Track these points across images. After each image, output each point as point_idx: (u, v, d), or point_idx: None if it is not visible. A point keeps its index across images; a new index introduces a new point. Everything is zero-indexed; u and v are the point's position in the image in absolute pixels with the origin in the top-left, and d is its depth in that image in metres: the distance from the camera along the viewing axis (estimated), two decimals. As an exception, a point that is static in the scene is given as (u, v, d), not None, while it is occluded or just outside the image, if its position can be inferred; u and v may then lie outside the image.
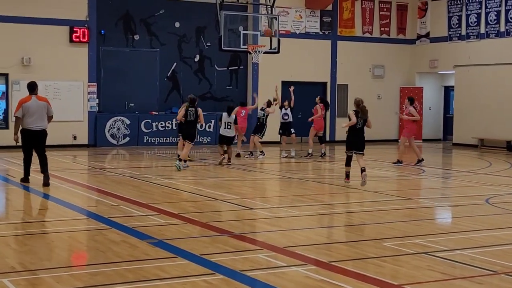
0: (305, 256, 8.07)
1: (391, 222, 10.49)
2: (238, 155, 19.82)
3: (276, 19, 22.38)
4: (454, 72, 27.02)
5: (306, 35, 26.72)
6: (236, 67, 26.26)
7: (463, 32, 26.46)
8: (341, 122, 27.02)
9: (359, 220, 10.80)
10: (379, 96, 28.02)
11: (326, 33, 27.11)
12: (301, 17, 26.63)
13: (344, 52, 27.38)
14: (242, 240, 8.99)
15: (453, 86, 27.67)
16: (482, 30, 25.70)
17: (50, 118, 13.82)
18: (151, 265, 7.52)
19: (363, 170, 13.85)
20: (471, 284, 6.98)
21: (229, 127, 18.23)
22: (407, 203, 12.37)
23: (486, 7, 25.54)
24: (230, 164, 18.01)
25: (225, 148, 18.20)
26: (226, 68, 26.13)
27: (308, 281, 7.03)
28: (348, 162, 14.40)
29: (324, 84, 27.33)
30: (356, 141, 14.20)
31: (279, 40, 22.14)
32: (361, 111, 14.15)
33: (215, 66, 25.90)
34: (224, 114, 18.40)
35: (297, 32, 26.53)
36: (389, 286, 6.86)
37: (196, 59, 25.65)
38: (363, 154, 14.33)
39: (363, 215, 11.30)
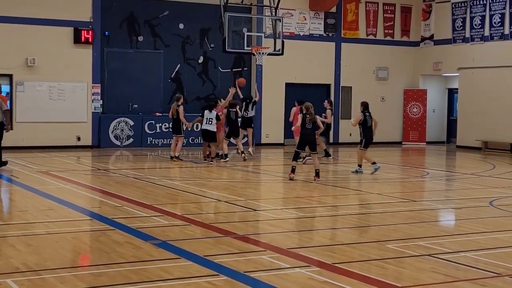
0: (308, 258, 8.07)
1: (395, 224, 10.49)
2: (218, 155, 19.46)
3: (280, 21, 22.38)
4: (458, 74, 26.99)
5: (310, 37, 26.72)
6: (240, 69, 26.27)
7: (467, 35, 26.42)
8: (345, 124, 27.23)
9: (363, 222, 10.79)
10: (382, 98, 28.00)
11: (330, 35, 27.11)
12: (305, 19, 26.63)
13: (348, 54, 27.38)
14: (246, 241, 8.99)
15: (457, 89, 27.63)
16: (487, 33, 25.67)
17: (6, 111, 16.60)
18: (155, 266, 7.53)
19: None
20: (474, 286, 6.97)
21: (210, 122, 18.42)
22: (411, 205, 12.36)
23: (490, 10, 25.51)
24: (212, 163, 18.26)
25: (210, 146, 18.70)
26: (230, 70, 26.14)
27: (311, 282, 7.03)
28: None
29: (328, 86, 27.32)
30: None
31: (283, 42, 22.13)
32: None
33: (219, 67, 25.92)
34: (206, 111, 18.60)
35: (301, 34, 26.54)
36: (391, 287, 6.85)
37: (200, 61, 25.67)
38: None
39: (366, 217, 11.30)
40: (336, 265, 7.74)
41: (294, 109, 19.80)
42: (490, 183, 15.85)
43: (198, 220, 10.49)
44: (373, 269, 7.60)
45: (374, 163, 16.78)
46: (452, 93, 29.29)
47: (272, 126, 26.11)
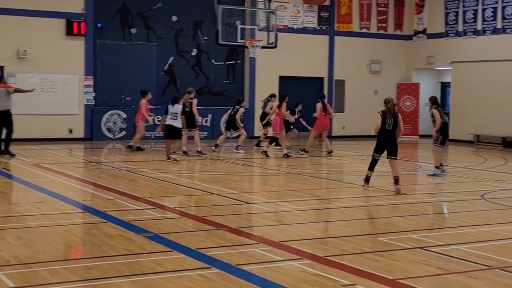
0: (301, 251, 8.07)
1: (388, 217, 10.51)
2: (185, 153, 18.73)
3: (274, 14, 22.33)
4: (451, 68, 27.03)
5: (304, 30, 26.69)
6: (234, 62, 26.24)
7: (460, 29, 26.46)
8: (338, 117, 27.23)
9: (356, 215, 10.79)
10: (376, 92, 28.00)
11: (324, 28, 27.09)
12: (299, 12, 26.60)
13: (342, 48, 27.37)
14: (238, 234, 8.98)
15: (449, 82, 27.68)
16: (479, 27, 25.70)
17: (16, 90, 18.12)
18: (147, 259, 7.51)
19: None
20: (466, 279, 6.98)
21: (175, 117, 17.40)
22: (404, 199, 12.36)
23: (482, 4, 25.54)
24: (169, 160, 17.28)
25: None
26: (223, 63, 26.12)
27: (303, 275, 7.02)
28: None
29: (321, 79, 27.31)
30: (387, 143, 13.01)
31: (276, 35, 22.08)
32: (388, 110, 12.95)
33: (212, 60, 25.89)
34: (169, 106, 17.55)
35: (295, 27, 26.51)
36: (385, 280, 6.85)
37: (193, 53, 25.63)
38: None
39: (359, 210, 11.31)
40: (329, 258, 7.74)
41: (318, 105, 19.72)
42: (482, 176, 15.88)
43: (191, 213, 10.49)
44: (365, 261, 7.61)
45: (439, 166, 15.78)
46: (444, 87, 29.33)
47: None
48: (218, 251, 7.89)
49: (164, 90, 25.00)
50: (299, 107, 20.66)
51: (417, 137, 28.20)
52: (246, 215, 10.78)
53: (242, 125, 20.60)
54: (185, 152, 18.53)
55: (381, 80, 28.16)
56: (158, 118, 21.94)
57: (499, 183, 14.63)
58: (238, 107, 20.42)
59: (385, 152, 13.20)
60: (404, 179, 15.78)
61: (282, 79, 26.24)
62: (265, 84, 25.80)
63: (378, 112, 13.14)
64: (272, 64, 25.54)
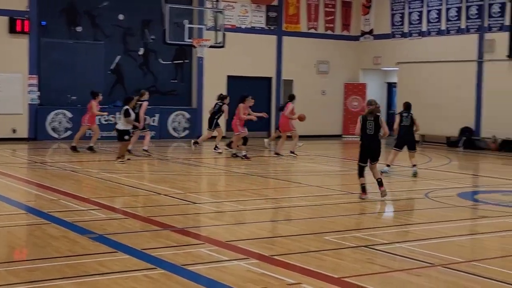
0: (247, 250, 8.09)
1: (333, 216, 10.61)
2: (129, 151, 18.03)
3: (222, 13, 22.34)
4: (397, 69, 27.44)
5: (252, 30, 26.74)
6: (181, 61, 26.13)
7: (406, 30, 26.88)
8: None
9: (302, 214, 10.86)
10: (323, 92, 28.23)
11: (272, 28, 27.18)
12: (247, 12, 26.63)
13: (290, 48, 27.50)
14: (185, 234, 8.96)
15: (395, 83, 28.09)
16: (424, 28, 26.16)
17: None
18: (91, 260, 7.43)
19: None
20: (410, 276, 7.10)
21: (120, 119, 17.17)
22: (349, 198, 12.50)
23: (427, 6, 25.99)
24: (116, 161, 16.84)
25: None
26: (171, 62, 25.98)
27: (249, 274, 7.04)
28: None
29: (269, 79, 27.40)
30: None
31: (224, 35, 22.10)
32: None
33: (160, 59, 25.73)
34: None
35: (243, 26, 26.53)
36: (330, 279, 6.92)
37: (141, 52, 25.43)
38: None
39: (306, 209, 11.38)
40: (275, 257, 7.78)
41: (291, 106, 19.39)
42: (426, 175, 16.14)
43: (137, 213, 10.42)
44: (311, 260, 7.67)
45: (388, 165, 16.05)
46: (391, 87, 29.72)
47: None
48: (164, 252, 7.86)
49: (112, 89, 24.74)
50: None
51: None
52: (193, 215, 10.75)
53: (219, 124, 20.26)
54: (129, 151, 18.38)
55: (328, 80, 28.39)
56: (104, 116, 21.83)
57: (442, 182, 14.91)
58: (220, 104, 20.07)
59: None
60: (351, 178, 15.95)
61: (230, 78, 26.23)
62: (213, 84, 25.76)
63: (359, 116, 12.33)
64: (220, 63, 25.51)
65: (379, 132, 12.09)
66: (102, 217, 9.96)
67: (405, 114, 16.57)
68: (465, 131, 24.56)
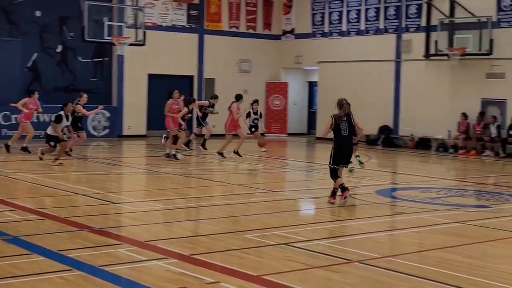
0: (167, 250, 8.02)
1: (254, 214, 10.65)
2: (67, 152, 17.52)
3: (142, 11, 22.12)
4: (317, 68, 27.79)
5: (173, 28, 26.56)
6: (101, 59, 25.73)
7: (326, 29, 27.26)
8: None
9: (224, 213, 10.85)
10: (245, 91, 28.24)
11: (193, 26, 27.08)
12: (168, 10, 26.44)
13: (211, 46, 27.46)
14: (103, 235, 8.81)
15: (316, 82, 28.44)
16: (344, 28, 26.59)
17: None
18: (5, 262, 7.22)
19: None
20: (328, 273, 7.19)
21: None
22: (270, 196, 12.58)
23: (347, 6, 26.43)
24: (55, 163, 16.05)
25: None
26: (90, 60, 25.55)
27: (168, 274, 6.98)
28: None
29: (191, 77, 27.29)
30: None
31: (144, 33, 21.91)
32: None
33: (79, 57, 25.25)
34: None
35: (164, 24, 26.31)
36: (250, 277, 6.93)
37: (59, 50, 24.90)
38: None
39: (227, 208, 11.36)
40: (195, 256, 7.74)
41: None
42: (347, 173, 16.37)
43: (54, 214, 10.17)
44: (231, 259, 7.66)
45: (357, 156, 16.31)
46: (312, 86, 30.09)
47: (134, 117, 25.77)
48: (80, 253, 7.70)
49: (28, 87, 24.09)
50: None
51: (286, 135, 28.78)
52: (112, 215, 10.58)
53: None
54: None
55: (250, 79, 28.49)
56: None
57: (361, 180, 15.18)
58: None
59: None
60: (272, 177, 16.07)
61: (151, 77, 26.01)
62: (134, 82, 25.52)
63: (331, 116, 11.64)
64: (141, 62, 25.25)
65: (353, 134, 11.58)
66: (17, 218, 9.69)
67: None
68: (384, 129, 25.09)
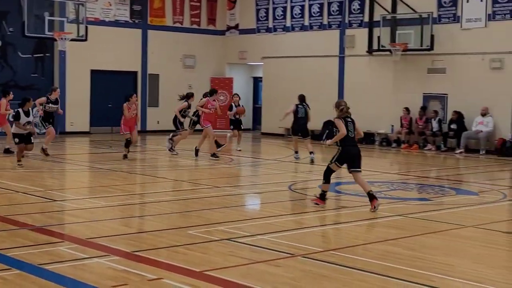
0: (109, 247, 7.94)
1: (198, 210, 10.61)
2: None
3: (84, 6, 21.82)
4: (262, 63, 27.86)
5: (116, 23, 26.28)
6: (42, 55, 25.30)
7: (270, 25, 27.35)
8: (152, 112, 27.12)
9: (167, 209, 10.80)
10: (190, 86, 28.17)
11: (136, 21, 26.84)
12: (111, 5, 26.13)
13: (155, 42, 27.28)
14: (44, 233, 8.67)
15: (261, 77, 28.52)
16: (288, 24, 26.72)
17: None
18: None
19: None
20: (270, 267, 7.22)
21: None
22: (215, 191, 12.56)
23: (291, 2, 26.56)
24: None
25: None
26: (31, 55, 25.09)
27: (109, 271, 6.92)
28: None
29: (135, 73, 27.07)
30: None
31: (86, 28, 21.63)
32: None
33: (19, 53, 24.78)
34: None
35: (106, 19, 26.02)
36: (192, 273, 6.92)
37: (-2, 45, 24.42)
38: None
39: (170, 204, 11.32)
40: (137, 253, 7.69)
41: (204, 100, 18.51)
42: (291, 168, 16.51)
43: (-8, 212, 9.98)
44: (174, 255, 7.64)
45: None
46: (257, 82, 30.15)
47: (77, 114, 25.43)
48: (20, 251, 7.57)
49: (-34, 83, 23.58)
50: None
51: (230, 130, 28.70)
52: (53, 213, 10.42)
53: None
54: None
55: (195, 75, 28.40)
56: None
57: (304, 174, 15.30)
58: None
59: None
60: (217, 172, 16.05)
61: (94, 73, 25.70)
62: (76, 78, 25.19)
63: (336, 118, 11.07)
64: (84, 57, 24.93)
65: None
66: (-46, 218, 9.48)
67: (300, 106, 18.05)
68: (328, 124, 25.23)
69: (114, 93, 25.43)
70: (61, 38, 20.92)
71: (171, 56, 27.68)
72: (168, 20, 27.72)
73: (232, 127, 20.47)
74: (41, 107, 17.64)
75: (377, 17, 23.73)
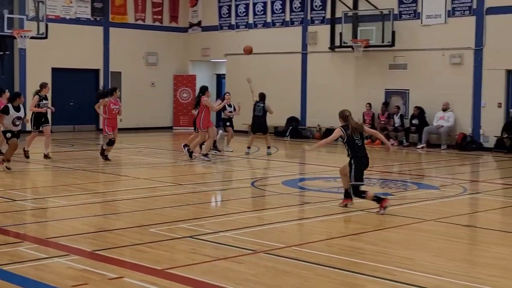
0: (69, 246, 7.84)
1: (160, 208, 10.54)
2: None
3: (44, 3, 21.54)
4: (225, 60, 27.81)
5: (77, 21, 25.99)
6: (2, 53, 24.89)
7: (233, 22, 27.31)
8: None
9: (128, 208, 10.70)
10: (153, 84, 28.06)
11: (98, 19, 26.58)
12: (71, 2, 25.83)
13: (117, 39, 27.05)
14: (2, 233, 8.53)
15: (224, 74, 28.46)
16: (251, 21, 26.71)
17: None
18: None
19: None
20: (232, 264, 7.20)
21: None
22: (177, 189, 12.51)
23: (254, -2, 26.59)
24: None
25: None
26: (-10, 53, 24.71)
27: (69, 271, 6.83)
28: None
29: (97, 71, 26.81)
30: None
31: (47, 25, 21.37)
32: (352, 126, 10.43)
33: (-22, 51, 24.40)
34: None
35: (67, 17, 25.71)
36: (153, 271, 6.86)
37: (-44, 43, 23.98)
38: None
39: (133, 202, 11.20)
40: (97, 252, 7.61)
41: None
42: (254, 164, 16.50)
43: (-50, 213, 9.80)
44: (135, 254, 7.58)
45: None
46: (220, 79, 30.08)
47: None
48: (-23, 253, 7.45)
49: None
50: None
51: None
52: (13, 213, 10.23)
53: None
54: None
55: (158, 72, 28.24)
56: None
57: (269, 171, 15.31)
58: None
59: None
60: (179, 170, 15.98)
61: (55, 71, 25.39)
62: (37, 76, 24.74)
63: (340, 128, 10.42)
64: (44, 55, 24.61)
65: (364, 140, 10.60)
66: None
67: (259, 104, 18.68)
68: (291, 120, 25.37)
69: (76, 91, 25.19)
70: (21, 36, 20.62)
71: (133, 54, 27.48)
72: (130, 17, 27.51)
73: (228, 123, 20.13)
74: (35, 108, 16.71)
75: (339, 14, 23.82)
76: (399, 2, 22.66)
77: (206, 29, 28.38)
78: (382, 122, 22.72)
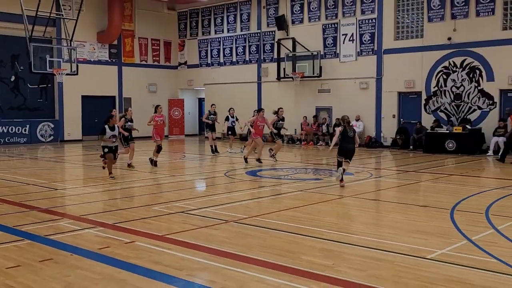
0: (95, 221, 7.75)
1: (161, 192, 10.45)
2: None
3: (75, 50, 21.18)
4: (204, 88, 27.70)
5: (99, 62, 25.66)
6: (45, 85, 24.46)
7: (209, 61, 27.21)
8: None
9: (138, 192, 10.58)
10: (153, 105, 27.70)
11: (114, 60, 26.27)
12: (94, 49, 25.51)
13: (127, 74, 26.77)
14: (48, 213, 8.39)
15: (204, 98, 28.33)
16: (222, 60, 26.64)
17: None
18: (-30, 238, 6.72)
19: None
20: (211, 230, 7.17)
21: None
22: (173, 179, 12.40)
23: (223, 45, 26.51)
24: None
25: None
26: (37, 86, 24.21)
27: (96, 239, 6.75)
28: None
29: (114, 97, 26.48)
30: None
31: (77, 65, 21.00)
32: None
33: (28, 84, 23.89)
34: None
35: (92, 59, 25.37)
36: (157, 236, 6.81)
37: (12, 79, 23.44)
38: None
39: (142, 189, 11.09)
40: (116, 224, 7.52)
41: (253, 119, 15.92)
42: (228, 160, 16.42)
43: (11, 200, 9.58)
44: (142, 225, 7.51)
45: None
46: (201, 101, 29.94)
47: (72, 127, 24.73)
48: (30, 227, 7.31)
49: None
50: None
51: (183, 136, 28.52)
52: (55, 198, 10.05)
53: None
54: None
55: (157, 97, 27.99)
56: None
57: (235, 165, 15.25)
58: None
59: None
60: (174, 165, 15.83)
61: (84, 97, 25.03)
62: (71, 101, 24.52)
63: (341, 126, 11.19)
64: (76, 86, 24.26)
65: (354, 138, 11.11)
66: (-19, 205, 9.03)
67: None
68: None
69: (98, 111, 24.78)
70: (59, 73, 20.19)
71: (139, 84, 27.22)
72: (136, 59, 27.24)
73: (229, 132, 19.26)
74: (121, 130, 14.24)
75: (282, 55, 23.91)
76: (324, 45, 22.83)
77: (190, 66, 28.22)
78: (314, 129, 22.85)
